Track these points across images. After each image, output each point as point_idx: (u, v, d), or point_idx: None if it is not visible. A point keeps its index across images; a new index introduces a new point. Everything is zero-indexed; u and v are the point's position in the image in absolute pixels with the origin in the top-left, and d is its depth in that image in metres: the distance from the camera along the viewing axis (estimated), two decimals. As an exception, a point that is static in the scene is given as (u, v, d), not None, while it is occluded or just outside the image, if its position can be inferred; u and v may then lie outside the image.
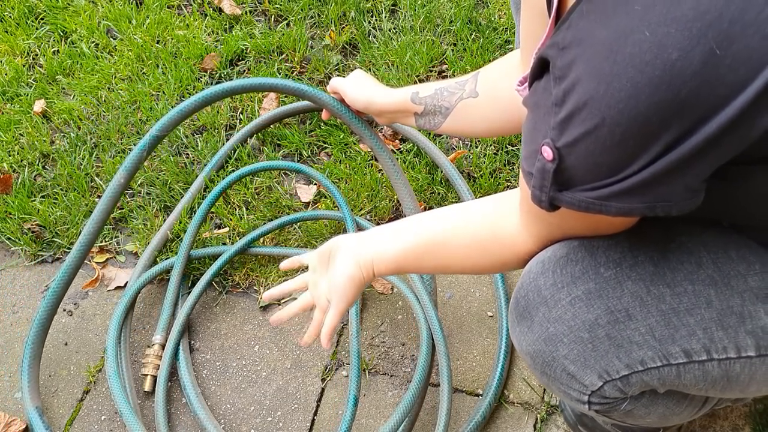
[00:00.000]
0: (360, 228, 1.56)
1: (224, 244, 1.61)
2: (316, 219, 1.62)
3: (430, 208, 1.64)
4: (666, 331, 0.85)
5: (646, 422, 1.01)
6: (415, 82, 1.84)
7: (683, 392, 0.95)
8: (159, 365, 1.43)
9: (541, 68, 0.75)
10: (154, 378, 1.43)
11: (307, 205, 1.68)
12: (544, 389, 1.38)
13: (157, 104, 1.87)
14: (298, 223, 1.63)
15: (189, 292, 1.53)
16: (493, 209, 0.99)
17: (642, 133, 0.66)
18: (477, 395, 1.39)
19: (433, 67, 1.87)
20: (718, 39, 0.61)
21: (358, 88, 1.41)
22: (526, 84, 0.92)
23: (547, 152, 0.73)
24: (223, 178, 1.64)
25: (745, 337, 0.85)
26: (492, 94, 1.28)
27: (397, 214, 1.65)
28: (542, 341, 0.90)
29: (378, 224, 1.63)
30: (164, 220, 1.65)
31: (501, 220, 0.97)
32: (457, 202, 1.61)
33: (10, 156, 1.80)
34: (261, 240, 1.61)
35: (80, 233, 1.48)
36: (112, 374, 1.38)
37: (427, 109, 1.33)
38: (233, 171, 1.72)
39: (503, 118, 1.27)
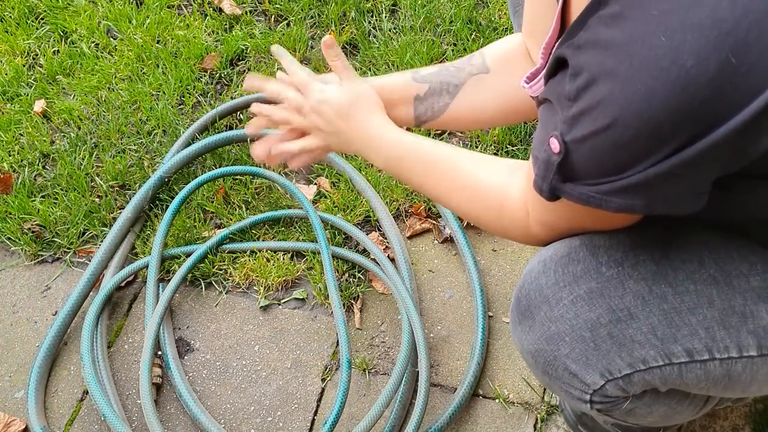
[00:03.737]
0: (325, 222, 1.60)
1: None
2: (287, 216, 1.64)
3: (429, 210, 1.64)
4: (668, 330, 0.85)
5: (648, 421, 1.01)
6: (415, 82, 1.84)
7: (685, 391, 0.95)
8: (158, 374, 1.44)
9: (556, 66, 0.75)
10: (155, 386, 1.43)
11: (307, 205, 1.68)
12: (545, 389, 1.38)
13: (157, 104, 1.87)
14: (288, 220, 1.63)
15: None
16: (506, 179, 0.96)
17: (652, 136, 0.66)
18: (477, 395, 1.39)
19: (433, 67, 1.87)
20: (735, 47, 0.61)
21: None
22: (535, 80, 0.93)
23: (554, 145, 0.73)
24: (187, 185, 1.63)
25: (747, 336, 0.85)
26: (505, 69, 1.13)
27: (396, 214, 1.65)
28: (544, 340, 0.90)
29: (373, 226, 1.63)
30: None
31: (511, 194, 0.95)
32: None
33: (10, 156, 1.80)
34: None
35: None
36: (92, 383, 1.39)
37: (432, 89, 1.14)
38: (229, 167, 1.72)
39: (517, 98, 1.13)
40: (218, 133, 1.78)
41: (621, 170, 0.70)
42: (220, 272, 1.58)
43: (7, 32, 2.09)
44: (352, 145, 1.10)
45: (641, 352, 0.85)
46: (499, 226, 0.98)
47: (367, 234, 1.60)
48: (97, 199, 1.72)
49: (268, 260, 1.58)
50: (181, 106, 1.89)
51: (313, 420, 1.39)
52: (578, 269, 0.87)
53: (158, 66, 1.96)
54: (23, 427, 1.39)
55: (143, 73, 1.96)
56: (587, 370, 0.88)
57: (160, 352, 1.46)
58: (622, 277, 0.86)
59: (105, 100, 1.90)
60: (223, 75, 1.95)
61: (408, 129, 1.15)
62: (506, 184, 0.96)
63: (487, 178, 0.98)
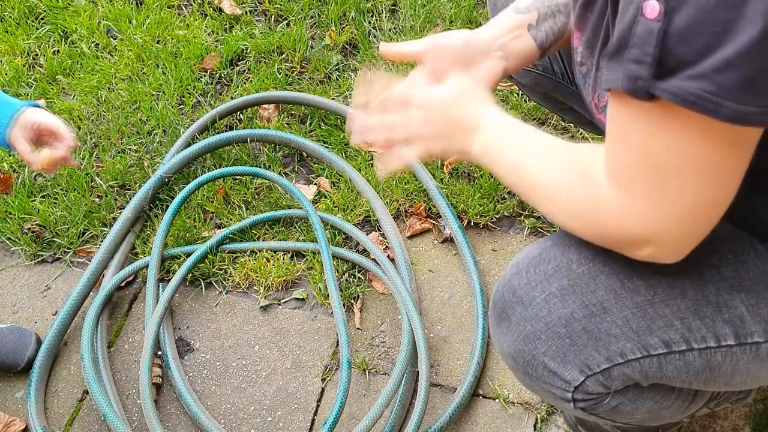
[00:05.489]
0: (325, 222, 1.60)
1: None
2: (287, 216, 1.64)
3: (429, 210, 1.64)
4: (643, 322, 0.85)
5: (636, 418, 1.01)
6: (415, 82, 1.84)
7: (670, 385, 0.95)
8: (159, 374, 1.44)
9: None
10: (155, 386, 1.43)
11: (307, 205, 1.68)
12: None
13: (157, 104, 1.87)
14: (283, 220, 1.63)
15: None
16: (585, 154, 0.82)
17: None
18: (477, 395, 1.39)
19: (433, 67, 1.87)
20: None
21: (448, 34, 1.06)
22: None
23: (652, 7, 0.65)
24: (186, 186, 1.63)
25: (723, 326, 0.85)
26: None
27: (396, 214, 1.65)
28: (521, 340, 0.90)
29: (373, 226, 1.63)
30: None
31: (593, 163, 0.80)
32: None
33: (10, 156, 1.80)
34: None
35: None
36: (92, 383, 1.39)
37: (542, 14, 1.03)
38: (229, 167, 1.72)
39: None
40: (218, 133, 1.78)
41: (727, 32, 0.62)
42: (220, 272, 1.58)
43: (7, 32, 2.09)
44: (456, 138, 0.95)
45: (618, 346, 0.86)
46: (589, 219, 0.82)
47: (367, 234, 1.61)
48: (97, 199, 1.72)
49: (268, 260, 1.58)
50: (181, 106, 1.89)
51: (313, 420, 1.39)
52: (549, 268, 0.88)
53: (158, 66, 1.96)
54: (23, 427, 1.39)
55: (143, 73, 1.96)
56: (566, 366, 0.88)
57: (160, 352, 1.46)
58: (593, 273, 0.86)
59: (105, 100, 1.90)
60: (223, 75, 1.95)
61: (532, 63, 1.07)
62: (588, 156, 0.82)
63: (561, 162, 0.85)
